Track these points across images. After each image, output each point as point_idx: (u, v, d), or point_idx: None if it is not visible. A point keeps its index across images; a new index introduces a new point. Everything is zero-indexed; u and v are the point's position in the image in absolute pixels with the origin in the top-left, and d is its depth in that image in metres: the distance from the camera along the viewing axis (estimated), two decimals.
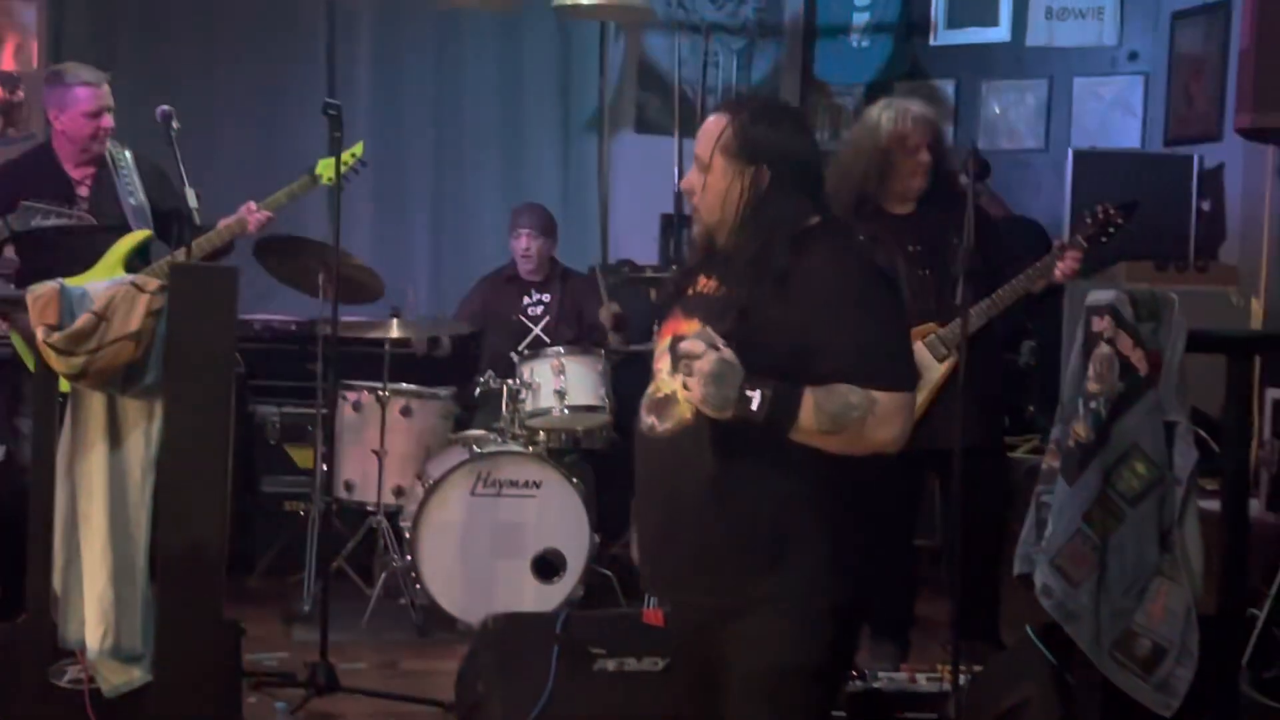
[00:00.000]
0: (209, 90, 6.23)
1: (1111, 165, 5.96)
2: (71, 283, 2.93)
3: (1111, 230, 4.18)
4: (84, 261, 4.37)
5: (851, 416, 2.32)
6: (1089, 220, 4.17)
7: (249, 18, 6.28)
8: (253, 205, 4.60)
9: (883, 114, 4.36)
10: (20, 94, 6.11)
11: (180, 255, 4.40)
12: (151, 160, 4.68)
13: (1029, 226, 6.15)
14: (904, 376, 2.40)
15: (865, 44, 6.91)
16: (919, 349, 4.19)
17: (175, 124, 4.17)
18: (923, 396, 4.09)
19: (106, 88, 4.62)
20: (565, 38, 6.67)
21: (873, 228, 4.27)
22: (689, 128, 6.77)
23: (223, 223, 4.58)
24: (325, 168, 4.60)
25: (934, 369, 4.18)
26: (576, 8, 5.43)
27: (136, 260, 4.46)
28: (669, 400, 2.44)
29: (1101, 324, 3.11)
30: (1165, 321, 3.11)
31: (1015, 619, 3.98)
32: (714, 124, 2.50)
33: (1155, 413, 3.09)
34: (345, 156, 4.54)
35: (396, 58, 6.40)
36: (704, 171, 2.49)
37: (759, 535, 2.41)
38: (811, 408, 2.31)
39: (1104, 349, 3.09)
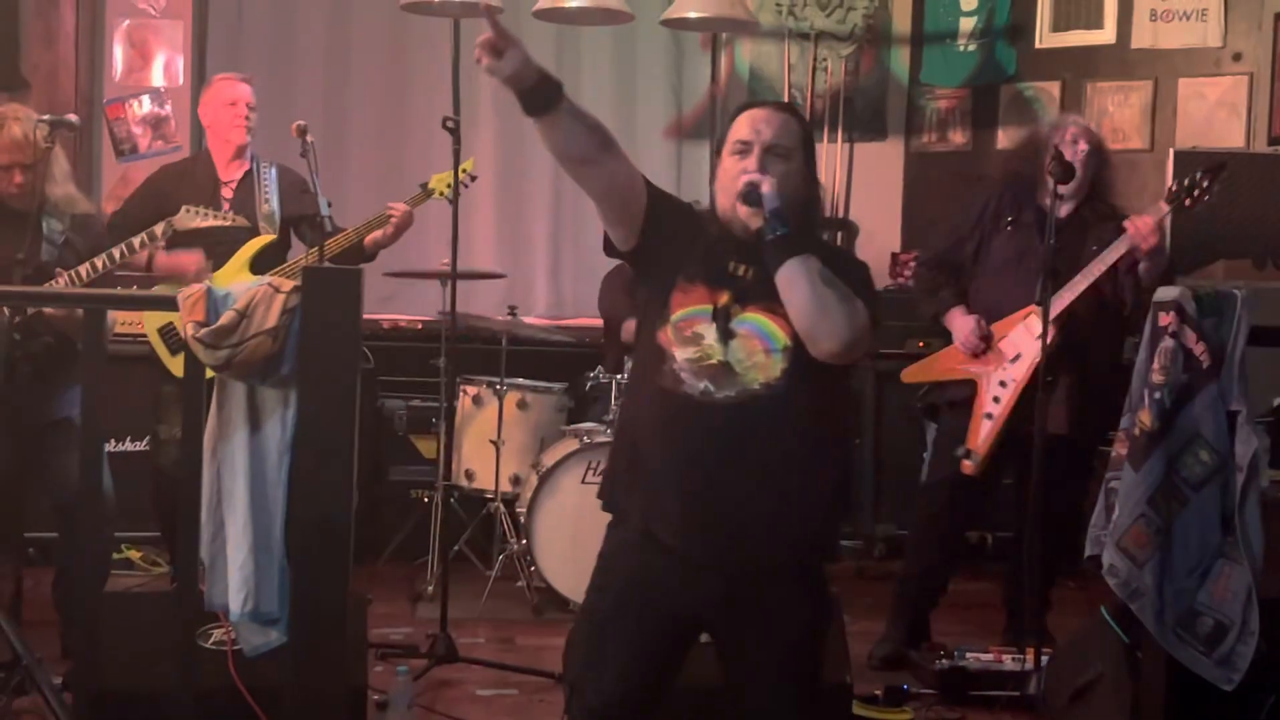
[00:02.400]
0: (341, 106, 6.56)
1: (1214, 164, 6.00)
2: (226, 284, 3.21)
3: (1196, 192, 4.19)
4: (219, 260, 4.70)
5: (839, 291, 2.56)
6: (1174, 187, 4.22)
7: (380, 38, 6.59)
8: (394, 205, 4.87)
9: (1050, 119, 4.70)
10: (168, 108, 6.48)
11: (313, 256, 4.76)
12: (295, 172, 5.01)
13: None
14: (875, 314, 2.64)
15: (971, 48, 7.00)
16: (1020, 330, 4.36)
17: (309, 137, 4.49)
18: (1023, 370, 4.30)
19: (245, 85, 4.93)
20: (677, 47, 6.89)
21: (1022, 215, 4.46)
22: None
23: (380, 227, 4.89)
24: (437, 182, 4.91)
25: (1032, 346, 4.25)
26: (685, 20, 5.63)
27: (265, 261, 4.77)
28: (725, 368, 2.59)
29: (1166, 319, 3.28)
30: (1228, 317, 3.26)
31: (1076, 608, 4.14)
32: (789, 119, 2.71)
33: (1217, 403, 3.24)
34: (458, 171, 4.86)
35: None
36: (785, 161, 2.67)
37: (820, 502, 2.65)
38: (817, 264, 2.57)
39: (1168, 342, 3.26)
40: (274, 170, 4.93)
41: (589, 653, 2.74)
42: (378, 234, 4.85)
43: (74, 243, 4.21)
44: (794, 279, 2.57)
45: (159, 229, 4.35)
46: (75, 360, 4.07)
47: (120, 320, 5.12)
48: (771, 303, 2.61)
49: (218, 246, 4.74)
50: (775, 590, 2.65)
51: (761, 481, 2.60)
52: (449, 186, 4.85)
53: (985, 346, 4.42)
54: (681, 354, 2.62)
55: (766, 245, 2.59)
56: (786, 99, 6.95)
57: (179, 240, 4.56)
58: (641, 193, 2.68)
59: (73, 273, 4.10)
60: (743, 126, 2.71)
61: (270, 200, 4.87)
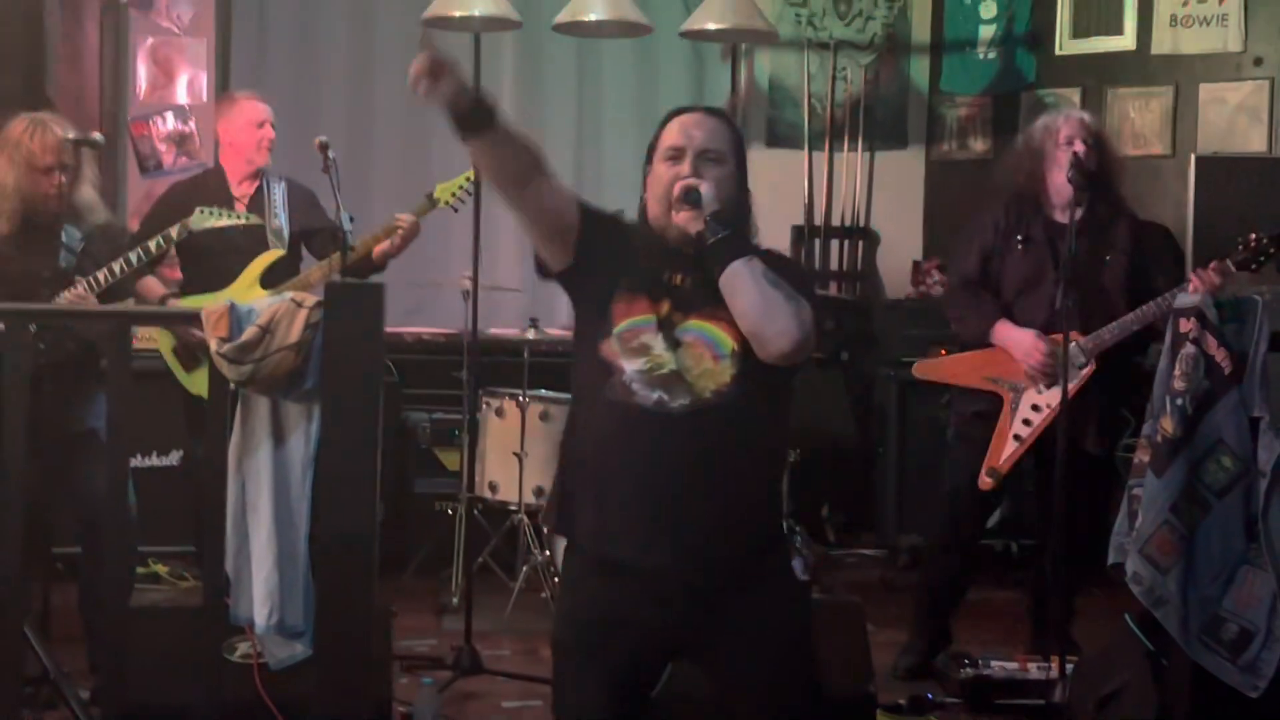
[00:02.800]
0: (363, 121, 6.60)
1: (1235, 170, 5.99)
2: (222, 297, 3.25)
3: (1263, 258, 4.08)
4: (230, 276, 4.75)
5: (785, 291, 2.53)
6: (1241, 246, 4.09)
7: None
8: (400, 216, 4.90)
9: (1043, 117, 4.50)
10: (192, 125, 6.53)
11: (323, 268, 4.79)
12: (304, 187, 5.05)
13: (1159, 231, 6.21)
14: (817, 314, 2.62)
15: (991, 55, 7.00)
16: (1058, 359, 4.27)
17: (331, 153, 4.52)
18: (1059, 398, 4.18)
19: (268, 106, 5.00)
20: (698, 57, 6.91)
21: (1032, 229, 4.40)
22: (819, 142, 7.00)
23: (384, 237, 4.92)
24: (442, 191, 4.96)
25: (1073, 376, 4.23)
26: (704, 31, 5.65)
27: (275, 276, 4.82)
28: (676, 377, 2.55)
29: (1187, 325, 3.28)
30: (1249, 323, 3.27)
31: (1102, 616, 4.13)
32: (720, 123, 2.68)
33: (1239, 409, 3.24)
34: (460, 180, 4.91)
35: (538, 83, 6.71)
36: (719, 165, 2.64)
37: (774, 509, 2.69)
38: (760, 266, 2.54)
39: (1189, 349, 3.26)
40: (283, 185, 4.98)
41: (565, 687, 2.71)
42: (385, 245, 4.88)
43: (93, 251, 4.23)
44: (739, 281, 2.54)
45: (174, 230, 4.39)
46: (98, 368, 4.10)
47: (143, 335, 5.15)
48: (714, 309, 2.58)
49: (228, 259, 4.78)
50: (745, 597, 2.60)
51: (720, 488, 2.56)
52: (453, 195, 4.89)
53: (1052, 362, 4.25)
54: (630, 365, 2.57)
55: (709, 248, 2.55)
56: (807, 109, 6.97)
57: (196, 242, 4.60)
58: (574, 210, 2.65)
59: (90, 279, 4.12)
60: (673, 133, 2.66)
61: (279, 215, 4.92)
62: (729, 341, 2.57)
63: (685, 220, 2.59)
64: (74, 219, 4.23)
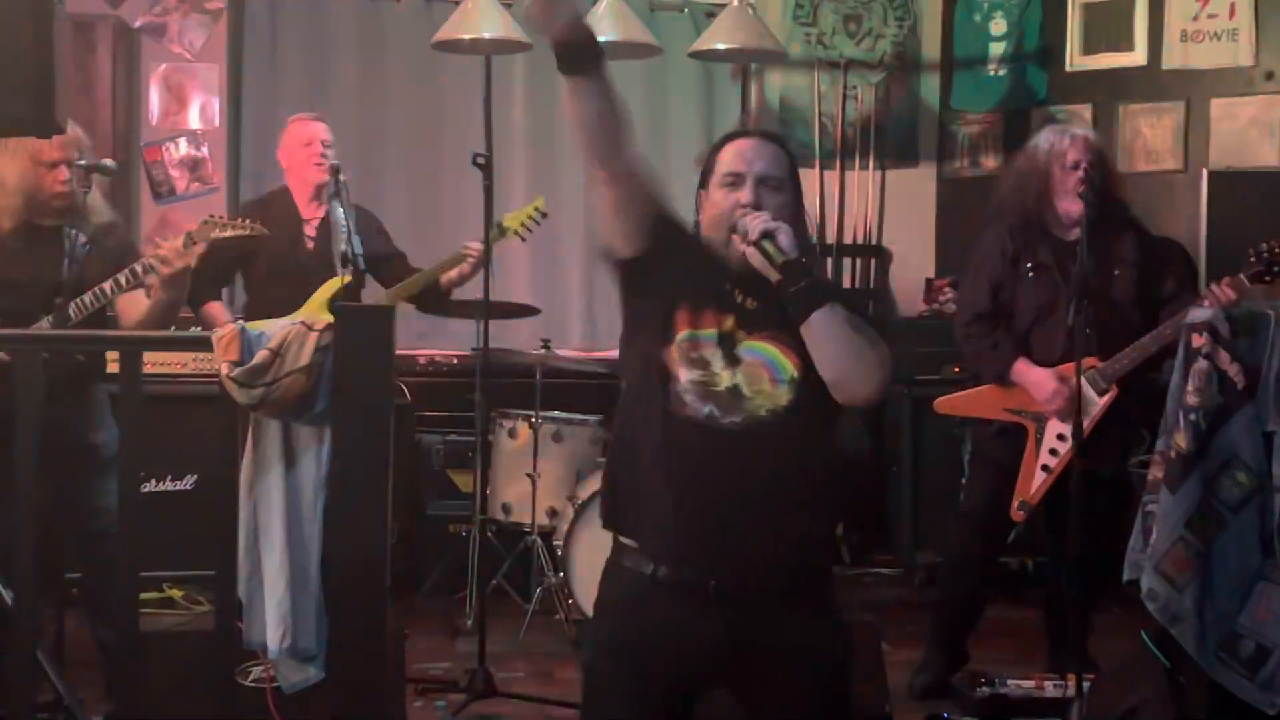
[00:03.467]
0: (375, 145, 6.62)
1: (1248, 185, 5.97)
2: (259, 324, 3.23)
3: (1276, 269, 4.06)
4: (303, 299, 4.72)
5: (869, 336, 2.54)
6: (1253, 258, 4.07)
7: (412, 77, 6.66)
8: (469, 245, 4.85)
9: (1043, 136, 4.44)
10: (205, 150, 6.56)
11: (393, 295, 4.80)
12: (369, 212, 5.05)
13: (1171, 246, 6.19)
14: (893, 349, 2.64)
15: (1002, 72, 7.00)
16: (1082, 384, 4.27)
17: (343, 177, 4.54)
18: (1085, 427, 4.16)
19: (320, 124, 5.00)
20: (707, 77, 6.92)
21: (1038, 254, 4.37)
22: (830, 160, 7.00)
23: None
24: (512, 220, 4.95)
25: (1094, 403, 4.25)
26: (714, 51, 5.66)
27: (340, 302, 4.79)
28: (732, 393, 2.55)
29: (1199, 340, 3.27)
30: (1261, 337, 3.25)
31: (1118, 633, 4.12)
32: (779, 150, 2.68)
33: (1254, 424, 3.23)
34: (529, 210, 4.91)
35: (549, 105, 6.72)
36: (779, 193, 2.63)
37: (820, 540, 2.66)
38: (843, 312, 2.53)
39: (1202, 364, 3.25)
40: (351, 210, 4.95)
41: (595, 711, 2.69)
42: (452, 273, 4.89)
43: (98, 256, 4.12)
44: (825, 331, 2.52)
45: (180, 242, 4.14)
46: (101, 381, 4.08)
47: (158, 360, 5.15)
48: (777, 332, 2.58)
49: (296, 285, 4.77)
50: (785, 628, 2.59)
51: (765, 509, 2.56)
52: (522, 224, 4.90)
53: (1069, 403, 4.19)
54: (686, 375, 2.57)
55: (790, 296, 2.53)
56: (817, 127, 6.98)
57: (262, 267, 4.56)
58: (655, 196, 2.62)
59: (77, 302, 4.01)
60: (732, 158, 2.65)
61: (344, 241, 4.85)
62: (790, 367, 2.57)
63: (755, 260, 2.57)
64: (78, 220, 4.17)
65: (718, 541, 2.55)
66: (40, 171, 4.04)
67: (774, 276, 2.54)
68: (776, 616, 2.58)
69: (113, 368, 4.60)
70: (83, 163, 4.06)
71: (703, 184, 2.71)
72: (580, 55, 2.48)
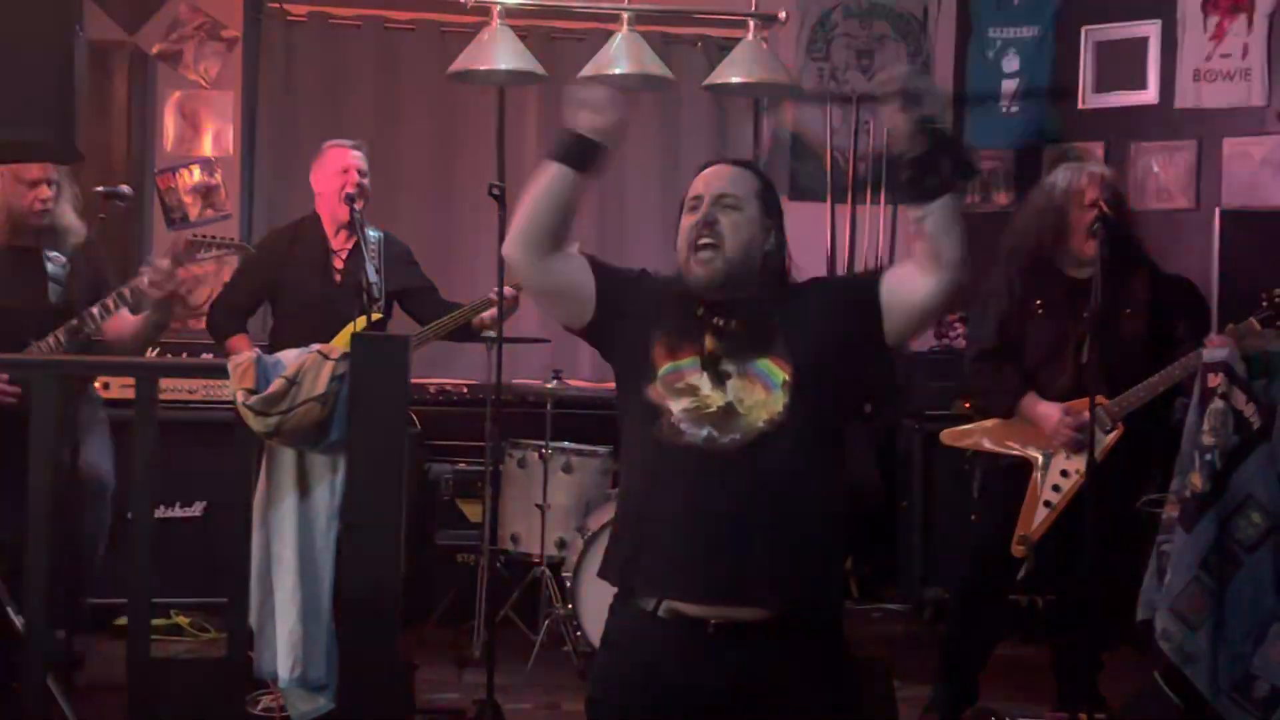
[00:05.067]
0: (388, 174, 6.63)
1: (1260, 224, 5.98)
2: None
3: None
4: (329, 331, 4.60)
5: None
6: (1265, 303, 4.05)
7: (426, 106, 6.69)
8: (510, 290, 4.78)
9: (1059, 174, 4.42)
10: (218, 178, 6.58)
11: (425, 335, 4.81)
12: (400, 243, 5.04)
13: (1182, 284, 6.19)
14: None
15: (1014, 109, 7.02)
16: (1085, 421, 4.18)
17: (358, 205, 4.54)
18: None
19: (357, 153, 4.96)
20: (720, 111, 6.95)
21: (1049, 292, 4.36)
22: (841, 194, 7.01)
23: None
24: None
25: (1100, 441, 4.18)
26: (728, 85, 5.67)
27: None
28: (727, 411, 2.55)
29: (1215, 380, 3.27)
30: (1278, 378, 3.25)
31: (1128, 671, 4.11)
32: (742, 171, 2.72)
33: (1270, 464, 3.22)
34: None
35: None
36: (736, 210, 2.66)
37: (833, 555, 2.65)
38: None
39: (1218, 404, 3.25)
40: (379, 236, 4.93)
41: None
42: (485, 315, 4.89)
43: (79, 274, 4.14)
44: (955, 214, 2.62)
45: (170, 260, 4.12)
46: (86, 399, 4.06)
47: (167, 386, 5.15)
48: (762, 346, 2.60)
49: (323, 317, 4.72)
50: (794, 663, 2.57)
51: (778, 523, 2.54)
52: None
53: (1081, 434, 4.17)
54: (677, 405, 2.58)
55: (932, 171, 2.59)
56: (829, 161, 6.99)
57: (290, 298, 4.53)
58: (585, 268, 2.71)
59: (49, 339, 3.99)
60: (696, 184, 2.72)
61: (372, 271, 4.73)
62: (780, 372, 2.58)
63: (701, 265, 2.63)
64: (54, 241, 4.16)
65: (733, 563, 2.53)
66: (20, 190, 4.06)
67: (916, 146, 2.58)
68: (784, 653, 2.56)
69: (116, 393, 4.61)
70: (100, 189, 4.09)
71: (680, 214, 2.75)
72: (602, 156, 2.60)
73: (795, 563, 2.55)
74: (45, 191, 4.05)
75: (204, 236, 4.26)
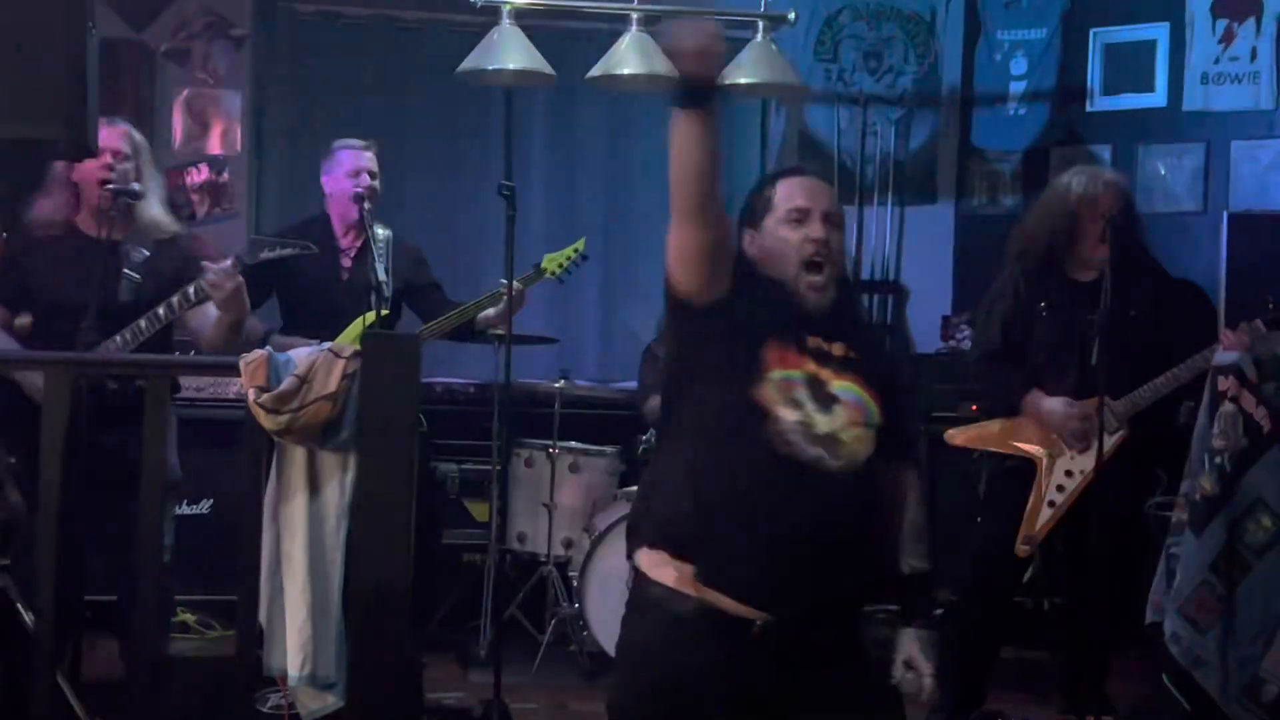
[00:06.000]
0: (397, 173, 6.64)
1: (1268, 227, 5.96)
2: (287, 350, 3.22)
3: None
4: (337, 330, 4.65)
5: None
6: (1271, 305, 4.03)
7: (434, 106, 6.68)
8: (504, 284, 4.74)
9: (1074, 179, 4.42)
10: (226, 176, 6.58)
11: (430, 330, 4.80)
12: (409, 243, 5.04)
13: (1189, 289, 6.19)
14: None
15: (1022, 111, 6.99)
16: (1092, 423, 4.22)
17: (367, 204, 4.54)
18: (1091, 463, 4.17)
19: (369, 154, 4.94)
20: (728, 113, 6.94)
21: (1054, 294, 4.37)
22: (848, 196, 7.00)
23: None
24: (549, 262, 4.95)
25: (1106, 443, 4.18)
26: (736, 87, 5.67)
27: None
28: (833, 439, 2.52)
29: (1226, 384, 3.27)
30: None
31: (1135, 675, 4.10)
32: (832, 190, 2.70)
33: (1279, 468, 3.22)
34: (569, 251, 4.91)
35: (570, 137, 6.76)
36: (838, 230, 2.65)
37: (887, 576, 2.66)
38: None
39: (1228, 407, 3.25)
40: (387, 236, 4.91)
41: None
42: (490, 312, 4.88)
43: (159, 271, 4.10)
44: None
45: (229, 263, 4.04)
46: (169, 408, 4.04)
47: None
48: (860, 375, 2.59)
49: (329, 311, 4.74)
50: (841, 675, 2.59)
51: (862, 553, 2.56)
52: (560, 266, 4.90)
53: (1087, 427, 4.20)
54: (789, 415, 2.52)
55: None
56: (837, 163, 6.98)
57: (297, 288, 4.55)
58: (733, 236, 2.62)
59: (133, 327, 3.98)
60: (797, 194, 2.64)
61: (381, 270, 4.69)
62: (876, 412, 2.58)
63: (814, 291, 2.61)
64: (137, 236, 4.12)
65: (813, 583, 2.51)
66: (93, 167, 4.01)
67: None
68: (823, 658, 2.55)
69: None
70: (110, 187, 4.05)
71: (750, 221, 2.68)
72: (713, 93, 2.46)
73: (856, 586, 2.59)
74: (107, 159, 4.01)
75: (268, 236, 4.24)
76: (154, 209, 4.19)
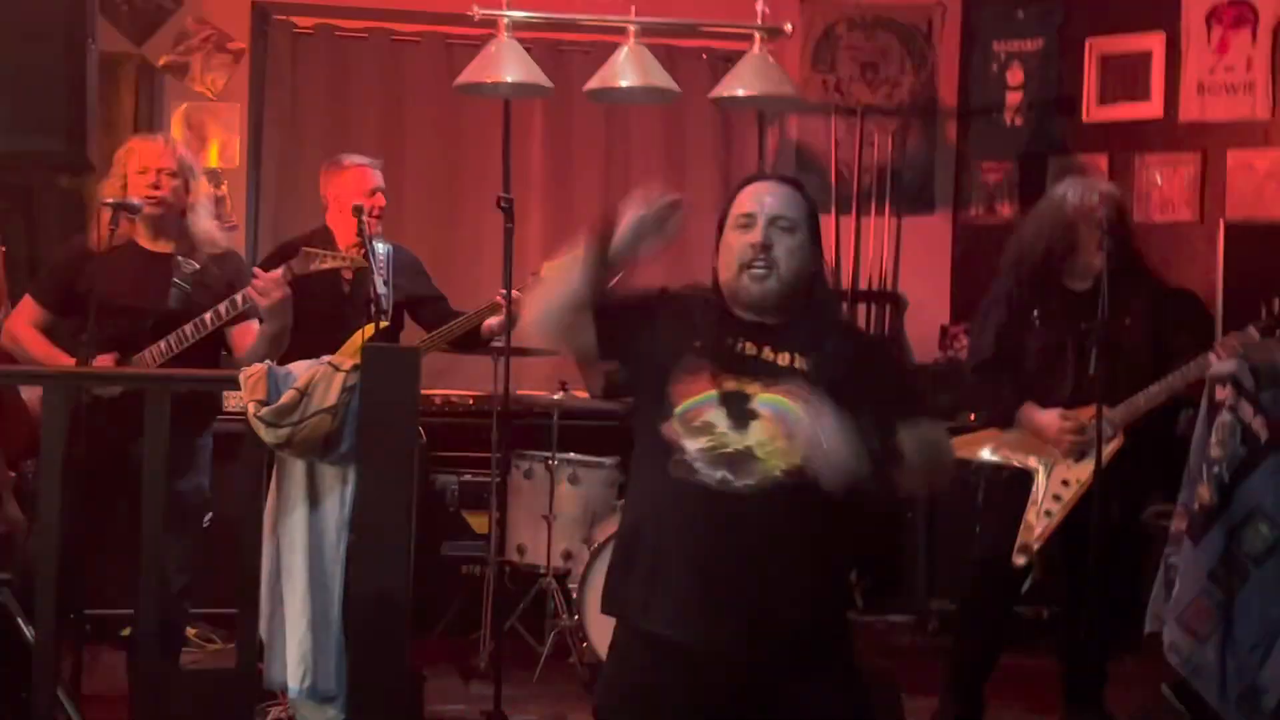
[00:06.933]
0: (395, 185, 6.64)
1: (1264, 237, 5.99)
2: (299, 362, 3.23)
3: None
4: (337, 343, 4.63)
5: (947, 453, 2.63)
6: (1265, 313, 4.06)
7: (433, 118, 6.70)
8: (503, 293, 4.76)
9: (1068, 189, 4.41)
10: (224, 189, 6.58)
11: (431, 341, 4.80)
12: (409, 254, 5.04)
13: (1186, 297, 6.19)
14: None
15: (1019, 122, 7.03)
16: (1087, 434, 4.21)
17: (365, 217, 4.54)
18: (1087, 473, 4.16)
19: (378, 171, 4.97)
20: (725, 124, 6.97)
21: (1048, 303, 4.38)
22: (845, 206, 7.02)
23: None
24: (550, 272, 4.94)
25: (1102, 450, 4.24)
26: (733, 98, 5.69)
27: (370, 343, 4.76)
28: (745, 455, 2.49)
29: (1223, 393, 3.28)
30: None
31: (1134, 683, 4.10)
32: (793, 191, 2.67)
33: (1277, 476, 3.23)
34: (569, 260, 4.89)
35: (567, 148, 6.77)
36: (790, 234, 2.62)
37: (838, 597, 2.65)
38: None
39: (1225, 416, 3.26)
40: (388, 248, 4.92)
41: None
42: (492, 321, 4.88)
43: (208, 283, 4.14)
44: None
45: (280, 272, 4.07)
46: (200, 424, 4.07)
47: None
48: (788, 381, 2.53)
49: (331, 324, 4.73)
50: (801, 687, 2.56)
51: (783, 572, 2.52)
52: None
53: (1082, 438, 4.21)
54: (693, 444, 2.52)
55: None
56: (834, 174, 7.00)
57: (299, 304, 4.56)
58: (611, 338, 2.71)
59: (176, 334, 4.02)
60: (746, 200, 2.65)
61: (380, 282, 4.68)
62: (810, 423, 2.48)
63: (756, 282, 2.60)
64: (189, 249, 4.17)
65: (735, 609, 2.50)
66: (139, 181, 4.09)
67: None
68: (793, 677, 2.54)
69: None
70: (109, 201, 4.07)
71: (719, 229, 2.70)
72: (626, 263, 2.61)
73: (797, 610, 2.53)
74: (151, 178, 4.07)
75: (317, 251, 4.26)
76: (204, 223, 4.25)
